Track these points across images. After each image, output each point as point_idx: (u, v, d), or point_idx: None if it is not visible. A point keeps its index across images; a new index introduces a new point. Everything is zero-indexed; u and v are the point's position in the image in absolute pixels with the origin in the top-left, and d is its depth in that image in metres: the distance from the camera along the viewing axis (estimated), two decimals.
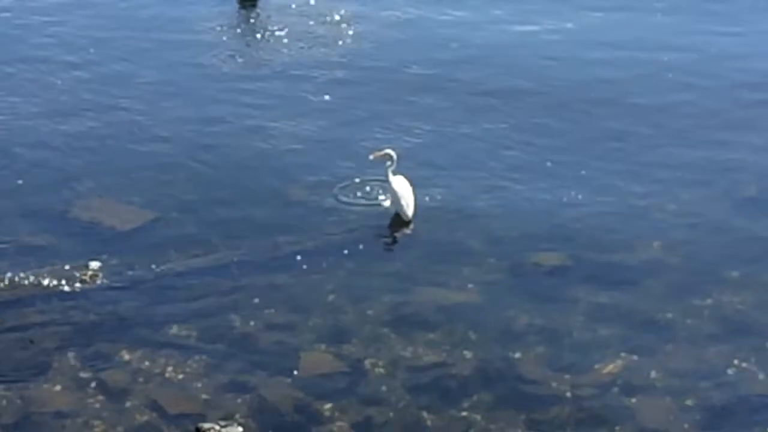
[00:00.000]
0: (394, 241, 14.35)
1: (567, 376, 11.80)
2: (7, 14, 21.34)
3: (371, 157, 14.53)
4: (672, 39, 19.92)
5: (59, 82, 18.42)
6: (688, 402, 11.50)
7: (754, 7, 21.56)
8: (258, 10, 21.72)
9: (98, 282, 13.24)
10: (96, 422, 11.29)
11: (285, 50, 19.78)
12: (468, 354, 12.18)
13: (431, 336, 12.46)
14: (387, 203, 14.66)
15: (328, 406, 11.51)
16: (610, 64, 18.99)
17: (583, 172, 15.59)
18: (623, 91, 17.95)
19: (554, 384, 11.71)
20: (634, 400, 11.52)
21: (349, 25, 20.78)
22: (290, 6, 21.77)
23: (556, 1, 21.69)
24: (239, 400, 11.55)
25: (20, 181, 15.40)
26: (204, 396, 11.62)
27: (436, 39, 20.05)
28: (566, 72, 18.73)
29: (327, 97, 17.85)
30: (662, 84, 18.26)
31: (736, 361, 12.02)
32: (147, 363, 12.02)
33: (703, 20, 20.81)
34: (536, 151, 16.10)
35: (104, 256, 13.64)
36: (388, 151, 14.39)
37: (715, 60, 19.16)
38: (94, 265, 13.43)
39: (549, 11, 21.20)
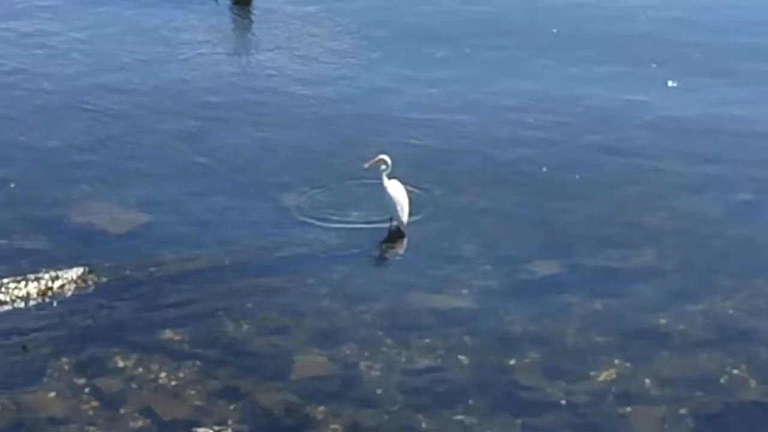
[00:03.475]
0: (390, 245, 14.34)
1: (562, 383, 11.81)
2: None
3: (366, 165, 14.48)
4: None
5: (49, 85, 18.39)
6: (682, 410, 11.50)
7: None
8: (252, 12, 21.68)
9: (92, 286, 13.23)
10: (90, 428, 11.27)
11: (279, 52, 19.77)
12: (463, 359, 12.19)
13: (426, 341, 12.46)
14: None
15: (321, 409, 11.50)
16: (599, 68, 19.07)
17: (577, 176, 15.60)
18: (615, 101, 17.94)
19: (549, 390, 11.72)
20: (628, 408, 11.53)
21: (343, 26, 20.74)
22: (284, 7, 21.74)
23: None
24: (233, 405, 11.54)
25: (12, 185, 15.38)
26: (197, 401, 11.61)
27: (430, 40, 20.03)
28: (562, 77, 18.76)
29: (322, 100, 17.83)
30: (657, 90, 18.28)
31: (729, 368, 12.04)
32: (141, 369, 12.01)
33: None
34: (531, 157, 16.10)
35: (98, 260, 13.64)
36: (383, 156, 14.34)
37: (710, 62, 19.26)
38: (88, 269, 13.41)
39: None
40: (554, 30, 20.47)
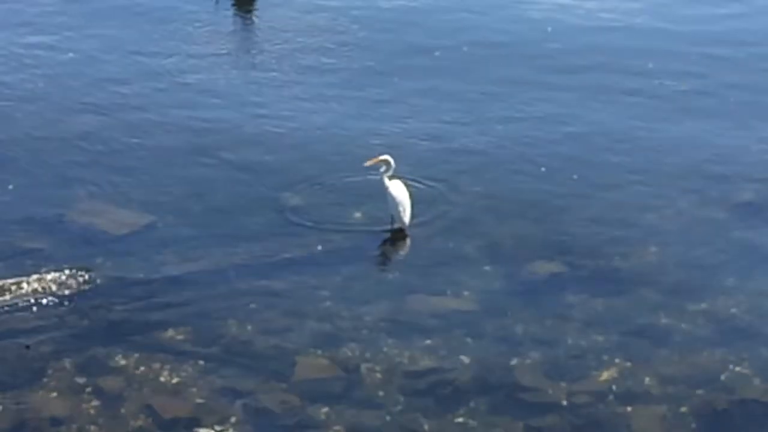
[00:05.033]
0: (391, 247, 14.35)
1: (563, 384, 11.81)
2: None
3: (366, 164, 14.49)
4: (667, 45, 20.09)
5: (50, 86, 18.43)
6: (683, 408, 11.51)
7: None
8: (253, 15, 21.72)
9: (94, 286, 13.23)
10: (91, 428, 11.28)
11: (279, 55, 19.79)
12: (464, 360, 12.19)
13: (428, 342, 12.46)
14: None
15: (323, 410, 11.51)
16: (606, 68, 19.18)
17: (575, 176, 15.63)
18: (614, 99, 18.02)
19: (550, 391, 11.72)
20: (629, 408, 11.53)
21: (345, 31, 20.77)
22: (286, 10, 21.78)
23: None
24: (234, 405, 11.55)
25: (11, 186, 15.40)
26: (199, 400, 11.61)
27: (433, 42, 20.11)
28: (568, 70, 18.86)
29: (325, 100, 17.88)
30: (658, 88, 18.34)
31: (730, 366, 12.05)
32: (142, 368, 12.02)
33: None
34: (531, 158, 16.13)
35: (100, 260, 13.67)
36: (385, 157, 14.31)
37: (714, 62, 19.34)
38: (90, 269, 13.42)
39: None
40: (549, 28, 20.59)
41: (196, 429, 11.14)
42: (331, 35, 20.59)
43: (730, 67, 19.18)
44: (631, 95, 18.05)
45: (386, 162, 14.29)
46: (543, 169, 15.81)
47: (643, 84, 18.48)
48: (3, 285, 13.10)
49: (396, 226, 14.40)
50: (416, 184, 15.03)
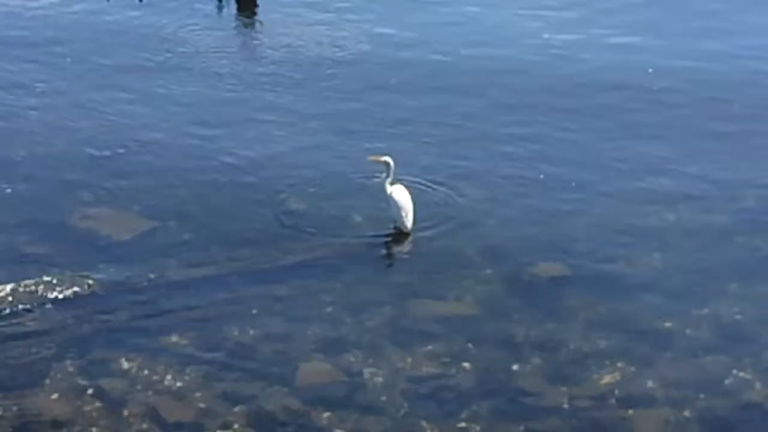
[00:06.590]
0: (393, 252, 14.36)
1: (564, 388, 11.80)
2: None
3: (370, 158, 14.53)
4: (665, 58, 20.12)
5: (53, 90, 18.45)
6: (686, 413, 11.51)
7: None
8: (256, 19, 21.77)
9: (96, 291, 13.24)
10: (93, 430, 11.29)
11: (282, 59, 19.83)
12: (466, 365, 12.18)
13: (430, 347, 12.46)
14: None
15: (326, 415, 11.50)
16: (604, 74, 19.25)
17: (573, 184, 15.64)
18: (620, 104, 18.07)
19: (552, 395, 11.71)
20: (631, 411, 11.52)
21: (349, 33, 20.82)
22: (289, 14, 21.82)
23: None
24: (237, 409, 11.55)
25: (9, 190, 15.43)
26: (202, 404, 11.62)
27: (433, 53, 20.14)
28: (566, 81, 18.89)
29: (327, 106, 17.92)
30: (657, 97, 18.37)
31: (734, 371, 12.03)
32: (145, 371, 12.03)
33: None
34: (532, 162, 16.15)
35: (102, 265, 13.67)
36: (386, 158, 14.31)
37: (713, 72, 19.36)
38: (92, 274, 13.42)
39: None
40: (545, 36, 20.70)
41: None
42: (333, 41, 20.62)
43: (730, 81, 19.20)
44: (632, 107, 18.02)
45: (386, 164, 14.29)
46: (542, 176, 15.82)
47: (643, 97, 18.44)
48: (5, 289, 13.11)
49: (398, 229, 14.41)
50: (418, 188, 15.04)
